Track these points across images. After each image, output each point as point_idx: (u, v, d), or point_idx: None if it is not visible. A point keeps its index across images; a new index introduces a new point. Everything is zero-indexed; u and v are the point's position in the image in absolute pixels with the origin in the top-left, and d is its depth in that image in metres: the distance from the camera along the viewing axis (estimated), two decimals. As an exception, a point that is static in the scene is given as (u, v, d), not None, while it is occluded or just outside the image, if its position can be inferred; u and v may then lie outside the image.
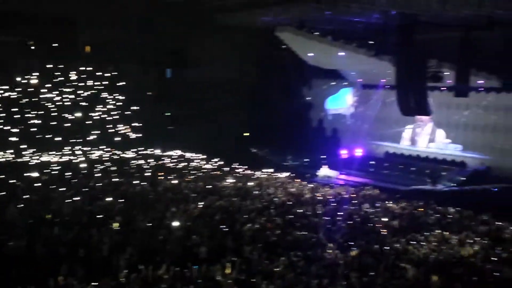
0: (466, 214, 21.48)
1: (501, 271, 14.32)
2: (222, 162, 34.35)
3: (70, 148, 36.10)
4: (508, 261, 15.26)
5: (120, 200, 21.05)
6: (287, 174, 31.05)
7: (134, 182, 25.63)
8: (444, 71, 27.63)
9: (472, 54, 26.88)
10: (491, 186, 28.79)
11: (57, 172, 27.82)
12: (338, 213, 20.39)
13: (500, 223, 19.93)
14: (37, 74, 37.76)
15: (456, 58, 27.32)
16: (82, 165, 30.11)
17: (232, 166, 32.62)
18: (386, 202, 23.48)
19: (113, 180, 26.14)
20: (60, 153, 34.48)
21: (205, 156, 35.99)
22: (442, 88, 32.75)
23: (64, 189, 22.89)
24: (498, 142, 32.00)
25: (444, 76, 27.66)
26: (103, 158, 33.96)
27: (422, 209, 22.21)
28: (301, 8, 27.32)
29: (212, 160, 34.91)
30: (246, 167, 32.60)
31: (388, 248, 16.19)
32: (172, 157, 36.20)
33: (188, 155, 36.83)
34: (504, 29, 25.66)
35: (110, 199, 21.09)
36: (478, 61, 27.94)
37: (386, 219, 20.13)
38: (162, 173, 28.69)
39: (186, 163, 33.61)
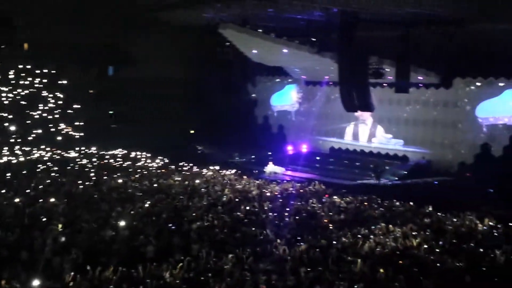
0: (409, 207, 22.03)
1: (443, 262, 14.73)
2: (167, 160, 34.08)
3: (9, 148, 35.04)
4: (450, 252, 15.74)
5: (64, 201, 20.57)
6: (234, 171, 31.05)
7: (77, 182, 25.09)
8: (385, 68, 28.18)
9: (411, 51, 27.48)
10: (432, 179, 29.64)
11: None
12: (286, 209, 20.55)
13: (442, 214, 20.54)
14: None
15: (396, 55, 27.90)
16: (23, 166, 29.29)
17: (178, 164, 32.40)
18: (332, 197, 23.80)
19: (55, 180, 25.54)
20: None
21: (150, 155, 35.61)
22: (383, 85, 33.45)
23: (4, 190, 22.22)
24: (438, 137, 32.96)
25: (385, 73, 28.20)
26: (45, 158, 33.14)
27: (367, 203, 22.64)
28: (243, 5, 27.37)
29: (157, 158, 34.57)
30: (192, 164, 32.44)
31: (335, 242, 16.41)
32: (117, 156, 35.66)
33: (133, 153, 36.35)
34: (442, 26, 26.38)
35: (53, 200, 20.56)
36: (418, 58, 28.60)
37: (332, 214, 20.42)
38: (107, 172, 28.22)
39: (131, 162, 33.17)
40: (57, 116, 39.13)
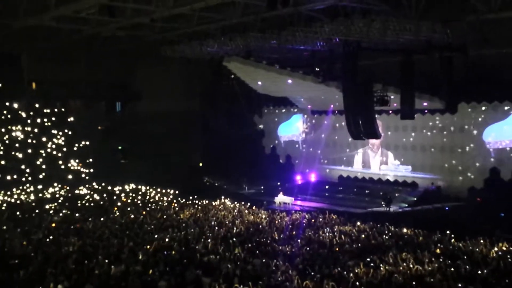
0: (421, 233, 21.91)
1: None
2: (177, 192, 34.19)
3: (20, 187, 35.25)
4: (465, 278, 15.60)
5: (76, 238, 20.63)
6: (243, 202, 30.99)
7: (89, 218, 25.17)
8: (390, 95, 28.30)
9: (415, 77, 27.61)
10: (442, 205, 29.49)
11: (6, 212, 27.14)
12: (297, 239, 20.50)
13: (454, 241, 20.43)
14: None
15: (400, 81, 28.02)
16: (35, 204, 29.51)
17: (188, 197, 32.44)
18: (343, 225, 23.73)
19: (67, 217, 25.70)
20: (9, 193, 33.60)
21: (159, 189, 35.71)
22: (389, 112, 33.56)
23: (17, 229, 22.39)
24: (446, 162, 32.87)
25: (390, 100, 28.28)
26: (56, 196, 33.28)
27: (378, 231, 22.53)
28: (246, 38, 27.71)
29: (167, 192, 34.65)
30: (202, 197, 32.46)
31: (348, 271, 16.31)
32: (127, 191, 35.78)
33: (143, 188, 36.45)
34: (443, 52, 26.54)
35: (66, 238, 20.63)
36: (422, 84, 28.75)
37: (343, 243, 20.35)
38: (117, 208, 28.32)
39: (141, 197, 33.25)
40: (66, 153, 39.37)
